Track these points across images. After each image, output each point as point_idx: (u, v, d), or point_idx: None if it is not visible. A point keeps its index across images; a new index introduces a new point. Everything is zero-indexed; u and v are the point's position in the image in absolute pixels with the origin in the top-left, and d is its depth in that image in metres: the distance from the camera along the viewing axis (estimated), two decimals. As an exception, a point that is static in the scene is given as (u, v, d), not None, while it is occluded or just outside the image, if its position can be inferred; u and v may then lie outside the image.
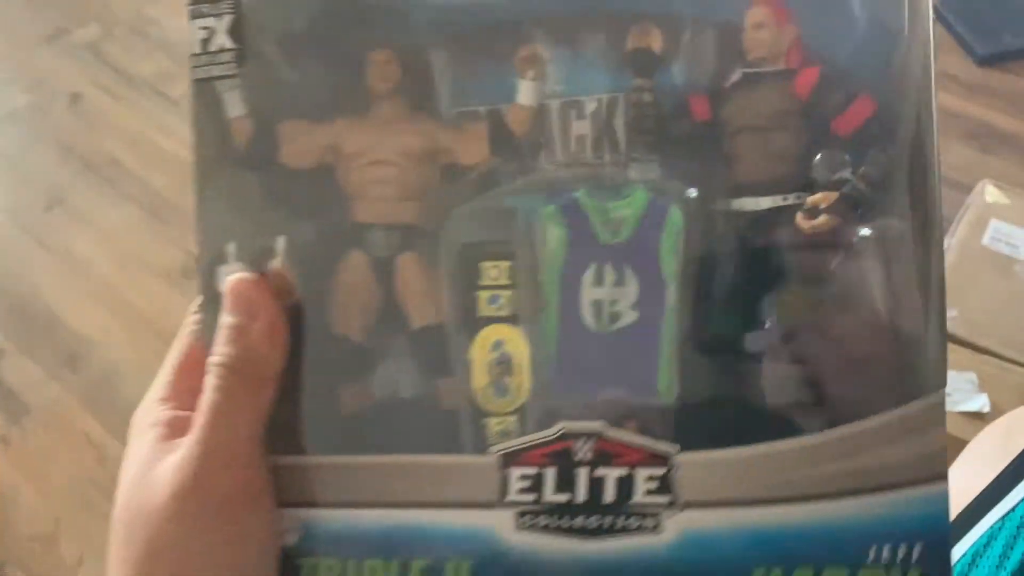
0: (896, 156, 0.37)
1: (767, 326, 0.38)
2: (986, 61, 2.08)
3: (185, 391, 0.41)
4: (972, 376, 1.33)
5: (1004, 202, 1.59)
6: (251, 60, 0.40)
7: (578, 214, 0.39)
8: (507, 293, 0.39)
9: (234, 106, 0.41)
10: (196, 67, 0.41)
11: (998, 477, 0.63)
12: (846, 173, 0.37)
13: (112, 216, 1.98)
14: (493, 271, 0.39)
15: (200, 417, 0.39)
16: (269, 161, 0.41)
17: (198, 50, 0.41)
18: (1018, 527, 0.60)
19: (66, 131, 2.18)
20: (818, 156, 0.38)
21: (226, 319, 0.40)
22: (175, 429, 0.40)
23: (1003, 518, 0.61)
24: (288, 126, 0.40)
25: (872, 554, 0.37)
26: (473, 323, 0.39)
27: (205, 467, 0.38)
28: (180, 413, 0.41)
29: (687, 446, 0.38)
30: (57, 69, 2.35)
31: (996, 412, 1.29)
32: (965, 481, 0.64)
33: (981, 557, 0.60)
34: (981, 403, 1.34)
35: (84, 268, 1.89)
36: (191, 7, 0.41)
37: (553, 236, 0.39)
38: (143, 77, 2.28)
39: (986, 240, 1.55)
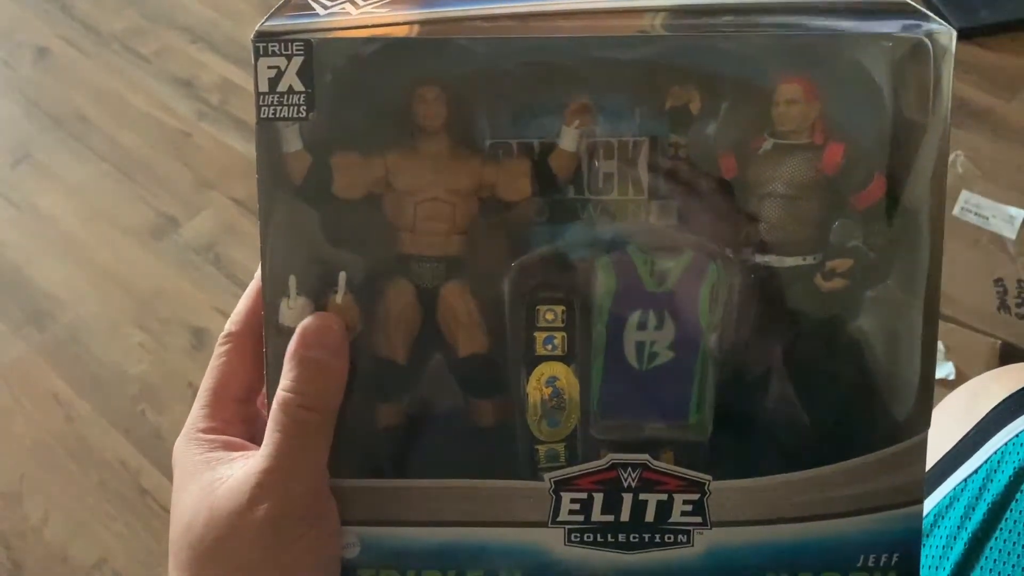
0: (901, 230, 0.42)
1: (782, 374, 0.43)
2: (962, 35, 2.10)
3: (221, 420, 0.43)
4: (939, 345, 1.38)
5: (975, 173, 1.65)
6: (318, 102, 0.41)
7: (627, 265, 0.43)
8: (561, 335, 0.43)
9: (292, 142, 0.41)
10: (264, 106, 0.41)
11: (961, 441, 0.66)
12: (857, 241, 0.42)
13: (80, 173, 1.94)
14: (549, 315, 0.43)
15: (268, 447, 0.40)
16: (324, 193, 0.41)
17: (265, 89, 0.40)
18: (979, 489, 0.63)
19: (33, 86, 2.13)
20: (836, 224, 0.42)
21: (309, 355, 0.41)
22: (224, 450, 0.42)
23: (965, 481, 0.64)
24: (341, 159, 0.42)
25: (861, 561, 0.44)
26: (530, 361, 0.43)
27: (275, 491, 0.39)
28: (224, 438, 0.43)
29: (719, 476, 0.43)
30: (23, 23, 2.29)
31: (961, 379, 1.34)
32: (930, 443, 0.68)
33: (943, 518, 0.64)
34: (947, 371, 1.40)
35: (51, 225, 1.85)
36: (257, 43, 0.40)
37: (604, 284, 0.43)
38: (113, 32, 2.22)
39: (956, 211, 1.61)
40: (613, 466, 0.43)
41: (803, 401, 0.44)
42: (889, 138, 0.41)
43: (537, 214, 0.43)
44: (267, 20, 0.41)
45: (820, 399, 0.44)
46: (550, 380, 0.43)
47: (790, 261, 0.42)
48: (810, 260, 0.42)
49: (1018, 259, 1.51)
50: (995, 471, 0.64)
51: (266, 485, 0.39)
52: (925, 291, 0.42)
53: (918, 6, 0.41)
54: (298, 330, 0.41)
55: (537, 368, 0.43)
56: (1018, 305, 1.44)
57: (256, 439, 0.42)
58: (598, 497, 0.43)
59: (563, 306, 0.43)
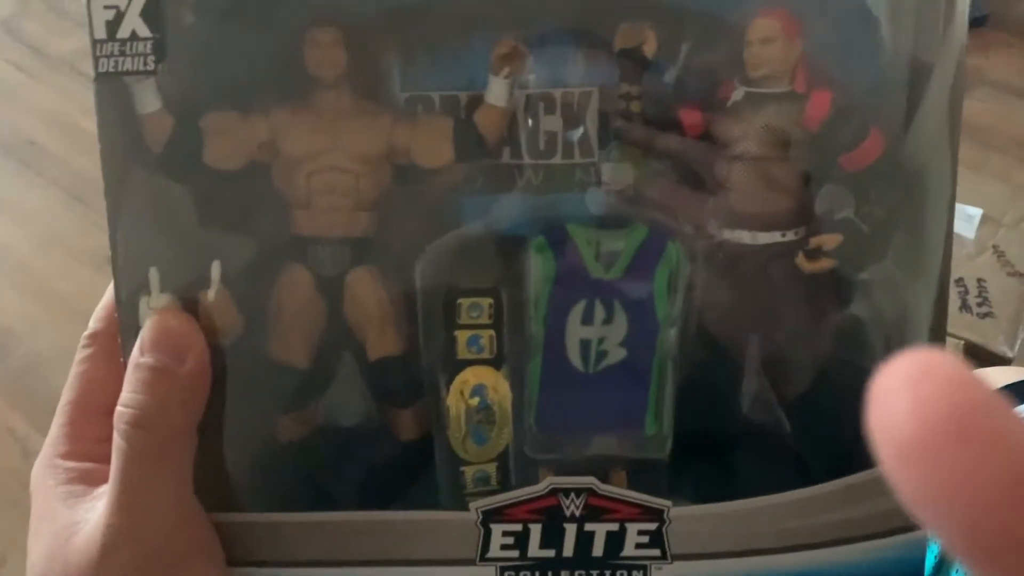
0: (903, 197, 0.35)
1: (757, 375, 0.37)
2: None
3: (86, 440, 0.37)
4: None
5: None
6: (171, 48, 0.34)
7: (568, 246, 0.36)
8: (488, 333, 0.36)
9: (147, 100, 0.34)
10: (102, 57, 0.34)
11: None
12: (848, 212, 0.36)
13: (31, 199, 1.91)
14: (474, 310, 0.36)
15: (113, 485, 0.34)
16: (191, 164, 0.35)
17: (102, 35, 0.34)
18: None
19: (-22, 112, 2.12)
20: (822, 191, 0.36)
21: (143, 361, 0.34)
22: (85, 483, 0.36)
23: None
24: (213, 119, 0.35)
25: None
26: (451, 366, 0.36)
27: (129, 537, 0.34)
28: (86, 465, 0.37)
29: (681, 501, 0.36)
30: (-31, 47, 2.28)
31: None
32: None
33: None
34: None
35: (3, 253, 1.82)
36: None
37: (540, 269, 0.36)
38: (61, 55, 2.21)
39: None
40: (553, 491, 0.36)
41: (784, 407, 0.37)
42: (888, 83, 0.35)
43: (464, 183, 0.36)
44: None
45: (805, 404, 0.37)
46: (476, 389, 0.36)
47: (765, 237, 0.36)
48: (790, 236, 0.36)
49: (977, 258, 1.48)
50: None
51: (118, 530, 0.34)
52: (934, 272, 0.35)
53: None
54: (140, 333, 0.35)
55: (460, 375, 0.36)
56: (979, 304, 1.40)
57: None
58: (535, 529, 0.36)
59: (490, 298, 0.36)
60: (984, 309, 1.39)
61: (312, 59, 0.34)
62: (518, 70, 0.35)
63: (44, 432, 1.23)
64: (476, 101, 0.35)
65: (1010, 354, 1.33)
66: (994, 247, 1.48)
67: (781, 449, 0.37)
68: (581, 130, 0.35)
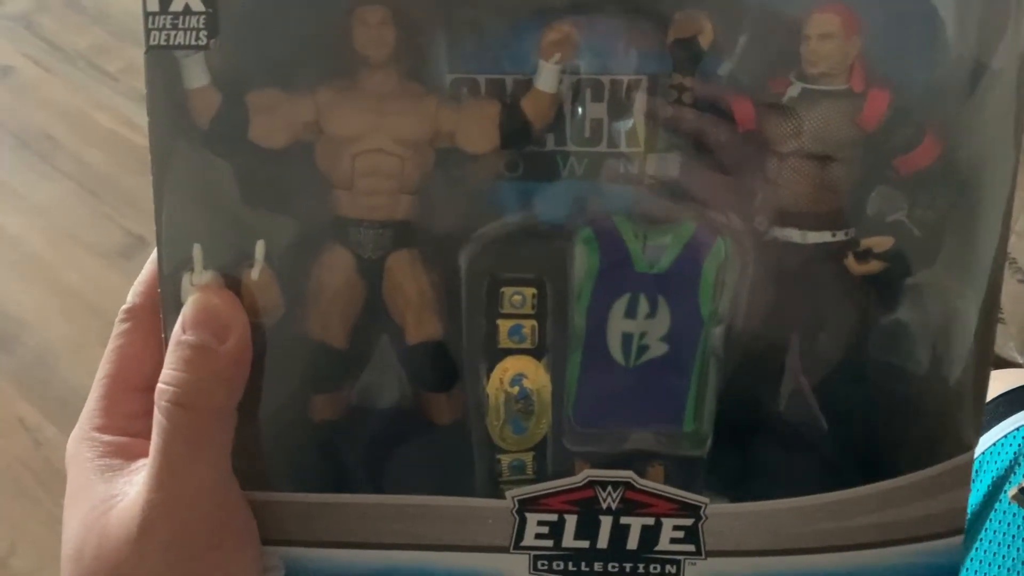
0: (956, 202, 0.34)
1: (801, 378, 0.36)
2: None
3: (122, 415, 0.37)
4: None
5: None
6: (224, 23, 0.33)
7: (614, 239, 0.35)
8: (530, 323, 0.36)
9: (196, 75, 0.33)
10: (154, 30, 0.33)
11: None
12: (900, 215, 0.35)
13: (46, 192, 1.91)
14: (516, 298, 0.36)
15: (153, 462, 0.34)
16: (237, 141, 0.34)
17: (155, 7, 0.32)
18: None
19: (-4, 105, 2.12)
20: (874, 192, 0.35)
21: (185, 339, 0.34)
22: (122, 458, 0.36)
23: None
24: (259, 96, 0.34)
25: None
26: (492, 355, 0.36)
27: (168, 513, 0.34)
28: (123, 439, 0.36)
29: (718, 498, 0.36)
30: (-14, 41, 2.28)
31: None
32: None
33: None
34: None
35: (16, 246, 1.82)
36: None
37: (584, 261, 0.35)
38: (78, 50, 2.18)
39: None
40: (590, 484, 0.35)
41: (824, 409, 0.37)
42: (948, 85, 0.34)
43: (507, 169, 0.35)
44: None
45: (845, 406, 0.37)
46: (516, 378, 0.36)
47: (815, 236, 0.35)
48: (840, 236, 0.35)
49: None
50: (973, 480, 0.59)
51: (157, 507, 0.33)
52: (984, 279, 0.35)
53: None
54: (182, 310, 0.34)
55: (500, 363, 0.36)
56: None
57: None
58: (571, 520, 0.36)
59: (534, 288, 0.36)
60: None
61: (360, 38, 0.34)
62: (569, 56, 0.34)
63: (54, 422, 1.24)
64: (522, 85, 0.34)
65: (1021, 360, 1.31)
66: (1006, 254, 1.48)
67: (817, 449, 0.37)
68: (631, 122, 0.34)
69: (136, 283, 0.38)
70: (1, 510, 1.46)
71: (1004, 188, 0.34)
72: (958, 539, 0.36)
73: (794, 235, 0.35)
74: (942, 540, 0.36)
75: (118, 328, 0.38)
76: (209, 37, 0.33)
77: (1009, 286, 1.41)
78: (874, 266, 0.35)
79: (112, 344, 0.38)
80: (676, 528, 0.36)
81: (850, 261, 0.35)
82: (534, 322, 0.36)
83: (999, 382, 0.66)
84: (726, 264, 0.35)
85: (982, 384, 0.36)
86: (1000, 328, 1.25)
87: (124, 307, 0.38)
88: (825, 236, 0.35)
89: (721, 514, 0.36)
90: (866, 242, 0.35)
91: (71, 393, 1.58)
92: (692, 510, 0.35)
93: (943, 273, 0.35)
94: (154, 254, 0.37)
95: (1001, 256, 0.34)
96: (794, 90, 0.34)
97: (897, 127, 0.34)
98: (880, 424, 0.37)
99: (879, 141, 0.34)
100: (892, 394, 0.36)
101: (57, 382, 1.61)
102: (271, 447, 0.36)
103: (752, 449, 0.37)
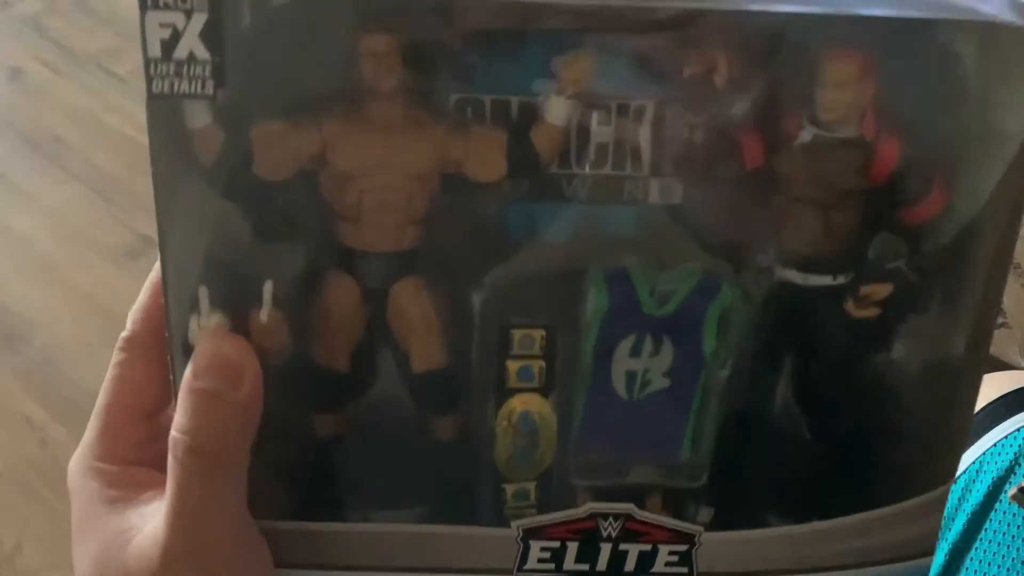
0: (955, 252, 0.35)
1: (792, 410, 0.38)
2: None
3: (125, 444, 0.37)
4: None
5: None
6: (231, 71, 0.31)
7: (625, 283, 0.36)
8: (539, 364, 0.36)
9: (200, 114, 0.32)
10: (156, 77, 0.31)
11: None
12: (900, 263, 0.35)
13: (55, 194, 1.92)
14: (526, 340, 0.36)
15: (170, 506, 0.34)
16: (242, 175, 0.33)
17: (156, 54, 0.31)
18: (959, 500, 0.62)
19: (6, 107, 2.11)
20: (875, 240, 0.35)
21: (199, 386, 0.33)
22: (128, 488, 0.36)
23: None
24: (263, 130, 0.32)
25: None
26: (501, 393, 0.37)
27: (188, 556, 0.34)
28: (128, 469, 0.37)
29: (711, 526, 0.38)
30: (-3, 43, 2.27)
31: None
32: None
33: None
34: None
35: (26, 247, 1.84)
36: None
37: (595, 302, 0.36)
38: (87, 52, 2.19)
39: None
40: (592, 516, 0.37)
41: (815, 441, 0.39)
42: (961, 139, 0.33)
43: (511, 190, 0.35)
44: None
45: (836, 440, 0.38)
46: (523, 415, 0.37)
47: (816, 280, 0.35)
48: (840, 280, 0.35)
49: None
50: (974, 481, 0.62)
51: (177, 551, 0.34)
52: (974, 324, 0.36)
53: None
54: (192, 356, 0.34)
55: (508, 403, 0.37)
56: (994, 315, 1.40)
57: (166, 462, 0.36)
58: (572, 546, 0.38)
59: (542, 330, 0.36)
60: (999, 320, 1.39)
61: (368, 69, 0.32)
62: (584, 88, 0.33)
63: (61, 422, 1.26)
64: (527, 107, 0.33)
65: (1024, 365, 1.33)
66: (1009, 259, 1.49)
67: (809, 481, 0.39)
68: (636, 146, 0.34)
69: (132, 311, 0.38)
70: (8, 508, 1.48)
71: (1004, 244, 0.35)
72: (928, 560, 0.39)
73: (796, 277, 0.35)
74: (915, 560, 0.39)
75: (117, 357, 0.38)
76: (216, 87, 0.31)
77: (1013, 291, 1.42)
78: (872, 311, 0.35)
79: (112, 373, 0.37)
80: (671, 553, 0.38)
81: (850, 305, 0.36)
82: (542, 363, 0.36)
83: (999, 383, 0.67)
84: (732, 307, 0.36)
85: (965, 426, 0.38)
86: (1004, 333, 1.23)
87: (122, 335, 0.37)
88: (826, 279, 0.35)
89: (715, 540, 0.38)
90: (865, 290, 0.35)
91: (78, 393, 1.59)
92: (687, 538, 0.38)
93: (936, 318, 0.36)
94: (150, 279, 0.37)
95: (994, 303, 0.35)
96: (806, 135, 0.33)
97: (906, 178, 0.34)
98: (870, 460, 0.38)
99: (886, 190, 0.34)
100: (879, 427, 0.38)
101: (64, 382, 1.63)
102: (273, 474, 0.37)
103: (746, 484, 0.39)
